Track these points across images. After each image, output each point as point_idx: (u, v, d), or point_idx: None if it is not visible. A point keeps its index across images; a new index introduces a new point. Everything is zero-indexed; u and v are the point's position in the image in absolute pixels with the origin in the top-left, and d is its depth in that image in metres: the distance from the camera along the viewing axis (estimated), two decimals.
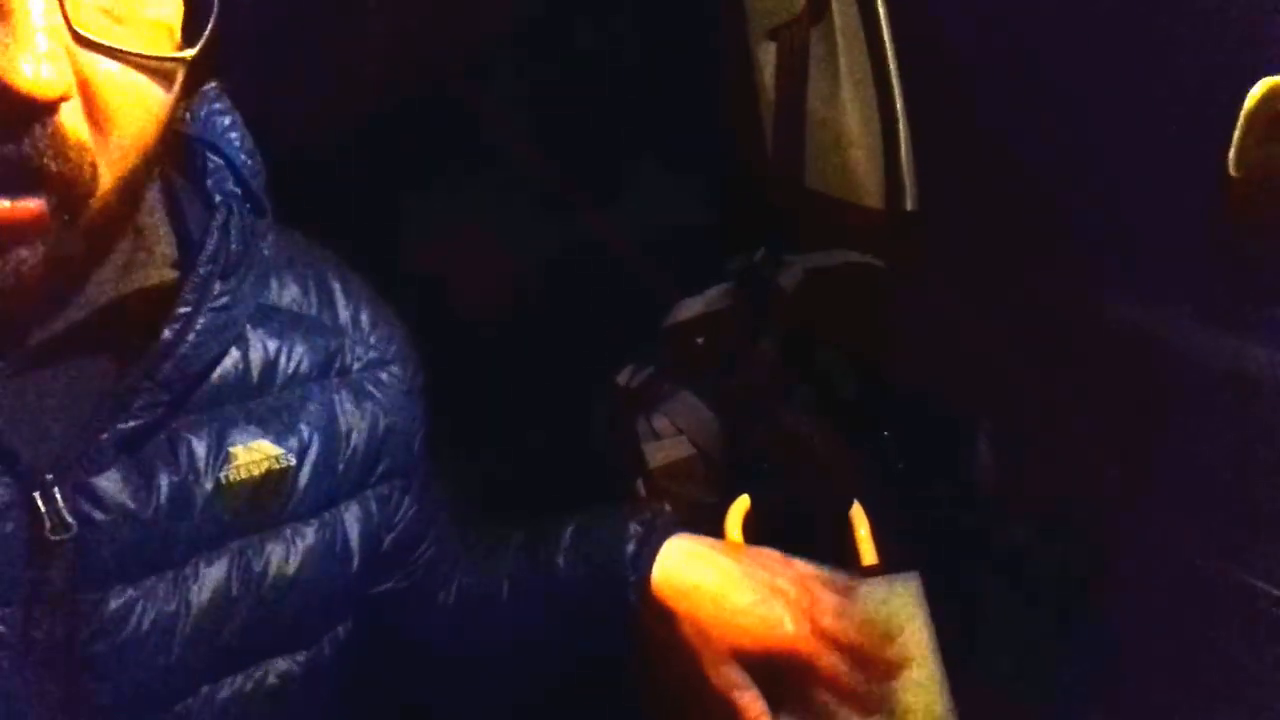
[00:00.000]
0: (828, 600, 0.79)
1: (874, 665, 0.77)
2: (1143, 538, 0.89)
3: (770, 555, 0.81)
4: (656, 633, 0.77)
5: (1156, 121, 0.89)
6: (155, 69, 0.55)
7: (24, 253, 0.52)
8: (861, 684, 0.77)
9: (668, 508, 0.83)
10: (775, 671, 0.77)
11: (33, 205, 0.51)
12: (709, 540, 0.81)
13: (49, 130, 0.51)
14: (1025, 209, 1.02)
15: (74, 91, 0.51)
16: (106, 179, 0.54)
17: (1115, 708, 0.88)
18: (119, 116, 0.53)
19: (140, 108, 0.55)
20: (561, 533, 0.81)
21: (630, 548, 0.78)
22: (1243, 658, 0.81)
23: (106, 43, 0.52)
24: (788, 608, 0.76)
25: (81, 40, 0.51)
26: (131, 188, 0.57)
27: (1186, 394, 0.87)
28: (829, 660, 0.76)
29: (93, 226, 0.55)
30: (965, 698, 0.82)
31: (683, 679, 0.77)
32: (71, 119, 0.52)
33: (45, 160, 0.51)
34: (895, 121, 1.16)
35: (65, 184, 0.52)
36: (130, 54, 0.53)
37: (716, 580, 0.77)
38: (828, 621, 0.77)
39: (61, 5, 0.49)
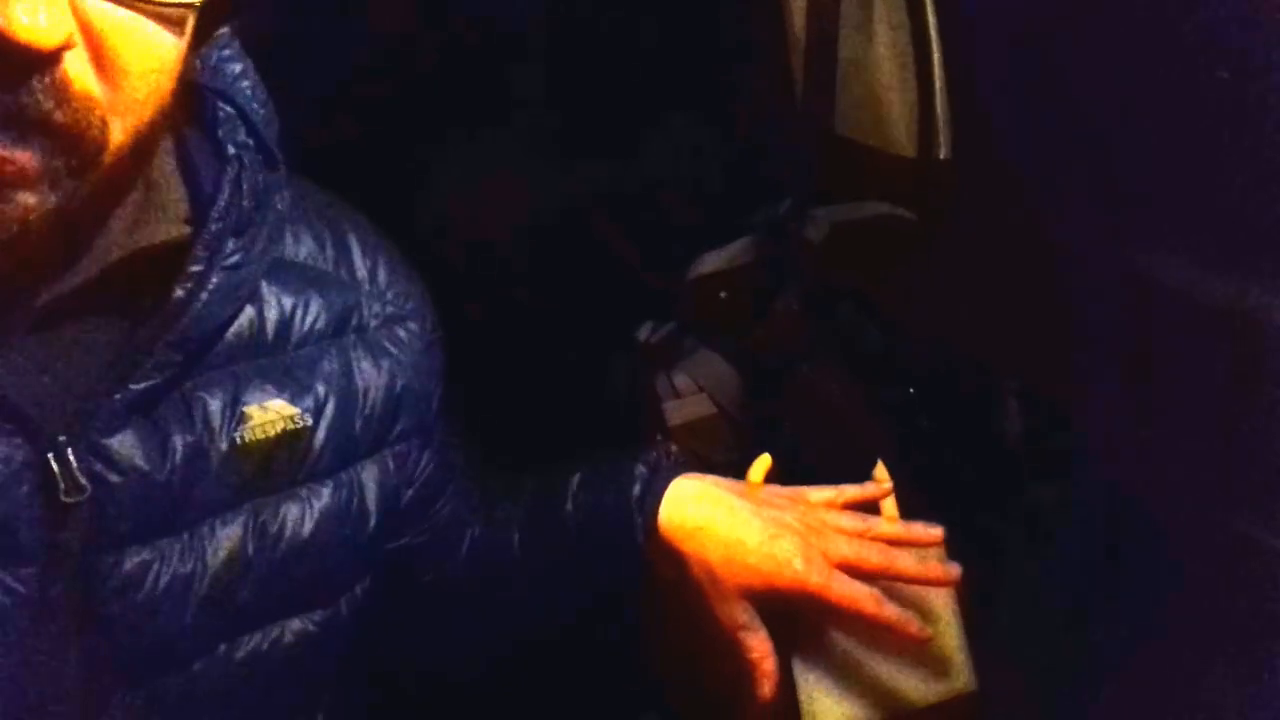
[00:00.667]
0: (844, 526, 0.78)
1: (902, 589, 0.78)
2: (1170, 497, 0.88)
3: (778, 491, 0.81)
4: (664, 574, 0.77)
5: (1194, 77, 0.86)
6: (165, 15, 0.53)
7: (30, 199, 0.51)
8: (885, 616, 0.76)
9: (674, 448, 0.83)
10: (789, 610, 0.77)
11: (34, 153, 0.50)
12: (716, 479, 0.81)
13: (51, 80, 0.49)
14: (1059, 162, 1.00)
15: (77, 39, 0.50)
16: (118, 133, 0.53)
17: (1140, 670, 0.88)
18: (129, 67, 0.52)
19: (151, 57, 0.53)
20: (569, 480, 0.81)
21: (636, 489, 0.78)
22: (1272, 619, 0.80)
23: None
24: (797, 544, 0.76)
25: None
26: (145, 142, 0.56)
27: (1218, 353, 0.85)
28: (842, 592, 0.75)
29: (104, 181, 0.54)
30: (987, 658, 0.82)
31: (690, 620, 0.77)
32: (76, 68, 0.50)
33: (48, 110, 0.49)
34: (931, 66, 1.13)
35: (72, 136, 0.51)
36: (137, 2, 0.51)
37: (724, 519, 0.76)
38: (844, 550, 0.77)
39: None
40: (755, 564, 0.75)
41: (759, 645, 0.76)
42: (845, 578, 0.76)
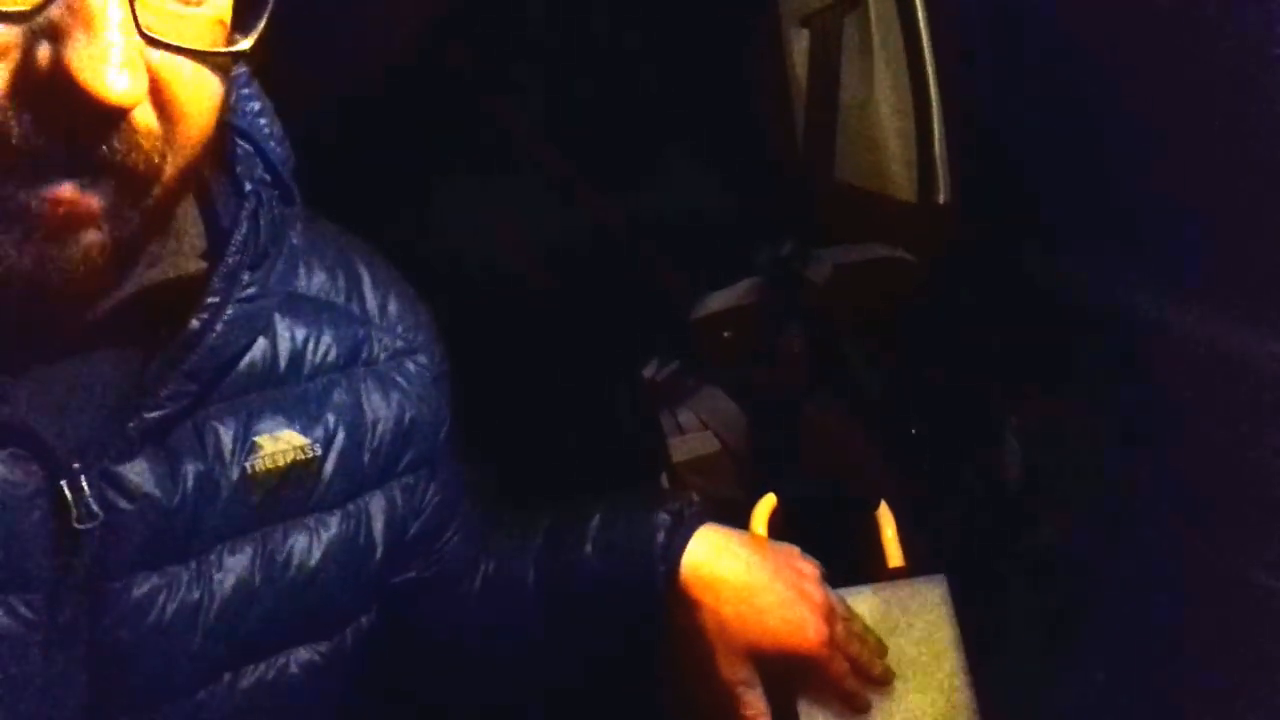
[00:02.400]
0: (841, 610, 0.80)
1: (873, 674, 0.80)
2: (1172, 537, 0.88)
3: (794, 554, 0.82)
4: (680, 624, 0.78)
5: (1180, 116, 0.88)
6: (215, 62, 0.56)
7: (94, 237, 0.53)
8: (864, 691, 0.79)
9: (695, 497, 0.83)
10: (789, 671, 0.78)
11: (102, 194, 0.52)
12: (737, 533, 0.82)
13: (126, 129, 0.52)
14: (1055, 204, 1.01)
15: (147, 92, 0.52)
16: (171, 168, 0.55)
17: (1140, 709, 0.87)
18: (187, 109, 0.55)
19: (205, 100, 0.56)
20: (588, 520, 0.81)
21: (660, 537, 0.78)
22: (1271, 659, 0.80)
23: (173, 42, 0.53)
24: (812, 613, 0.77)
25: (151, 41, 0.52)
26: (190, 175, 0.58)
27: (1218, 393, 0.86)
28: (840, 667, 0.77)
29: (155, 211, 0.56)
30: (991, 699, 0.82)
31: (696, 668, 0.77)
32: (145, 114, 0.53)
33: (122, 155, 0.52)
34: (930, 112, 1.14)
35: (132, 173, 0.53)
36: (194, 51, 0.54)
37: (744, 577, 0.77)
38: (839, 631, 0.79)
39: (131, 7, 0.50)
40: (769, 625, 0.76)
41: (755, 704, 0.77)
42: (840, 656, 0.78)
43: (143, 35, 0.51)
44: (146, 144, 0.53)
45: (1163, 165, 0.90)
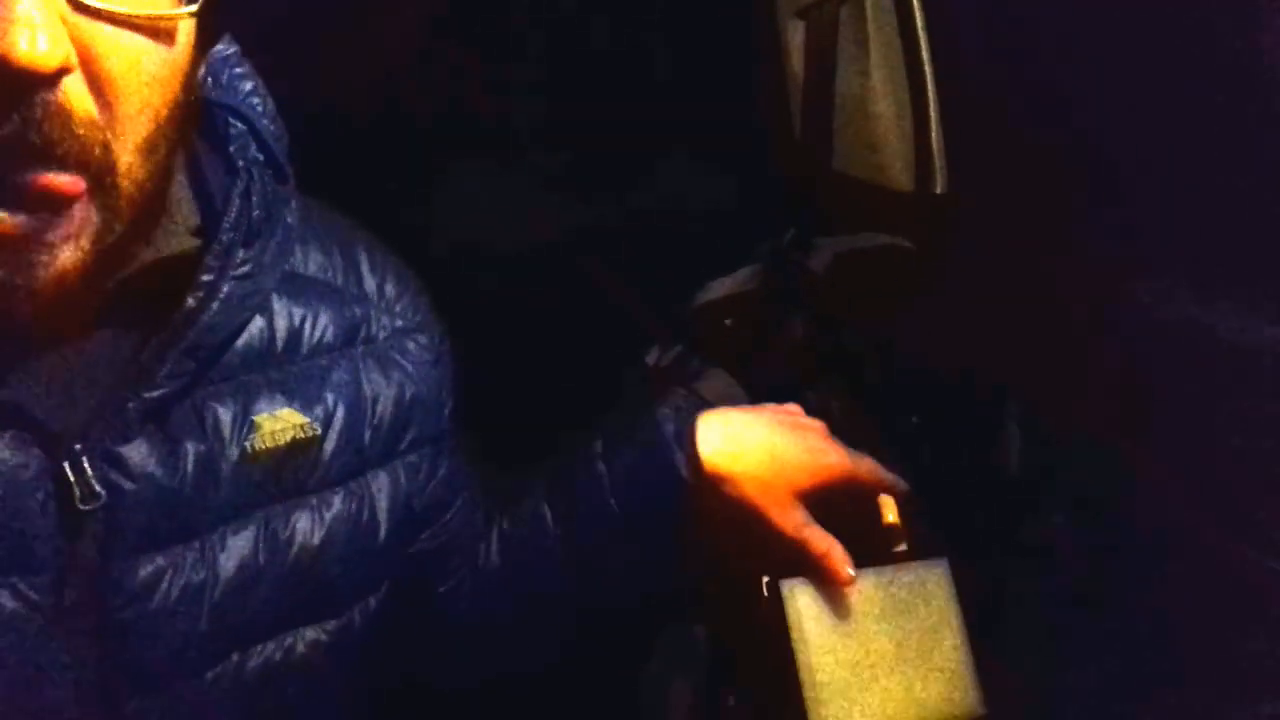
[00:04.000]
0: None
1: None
2: (1174, 526, 0.88)
3: (794, 409, 0.85)
4: (711, 502, 0.78)
5: (1193, 105, 0.88)
6: (156, 29, 0.53)
7: (67, 254, 0.52)
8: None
9: (684, 391, 0.84)
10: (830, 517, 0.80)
11: (66, 179, 0.51)
12: (733, 408, 0.84)
13: (52, 107, 0.49)
14: (1057, 191, 1.01)
15: (74, 62, 0.50)
16: (123, 153, 0.53)
17: (1143, 697, 0.87)
18: (123, 84, 0.52)
19: (144, 72, 0.53)
20: (592, 442, 0.82)
21: (670, 427, 0.79)
22: (1274, 648, 0.80)
23: (104, 6, 0.50)
24: (821, 440, 0.81)
25: (78, 6, 0.50)
26: (155, 156, 0.56)
27: (1221, 380, 0.86)
28: (870, 469, 0.82)
29: (131, 205, 0.55)
30: (992, 685, 0.82)
31: (743, 538, 0.79)
32: (76, 92, 0.51)
33: (53, 137, 0.50)
34: (926, 103, 1.14)
35: (83, 163, 0.51)
36: (129, 16, 0.51)
37: (756, 434, 0.80)
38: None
39: None
40: (800, 463, 0.79)
41: (821, 538, 0.77)
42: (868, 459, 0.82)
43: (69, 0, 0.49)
44: (83, 130, 0.51)
45: (1164, 158, 0.90)
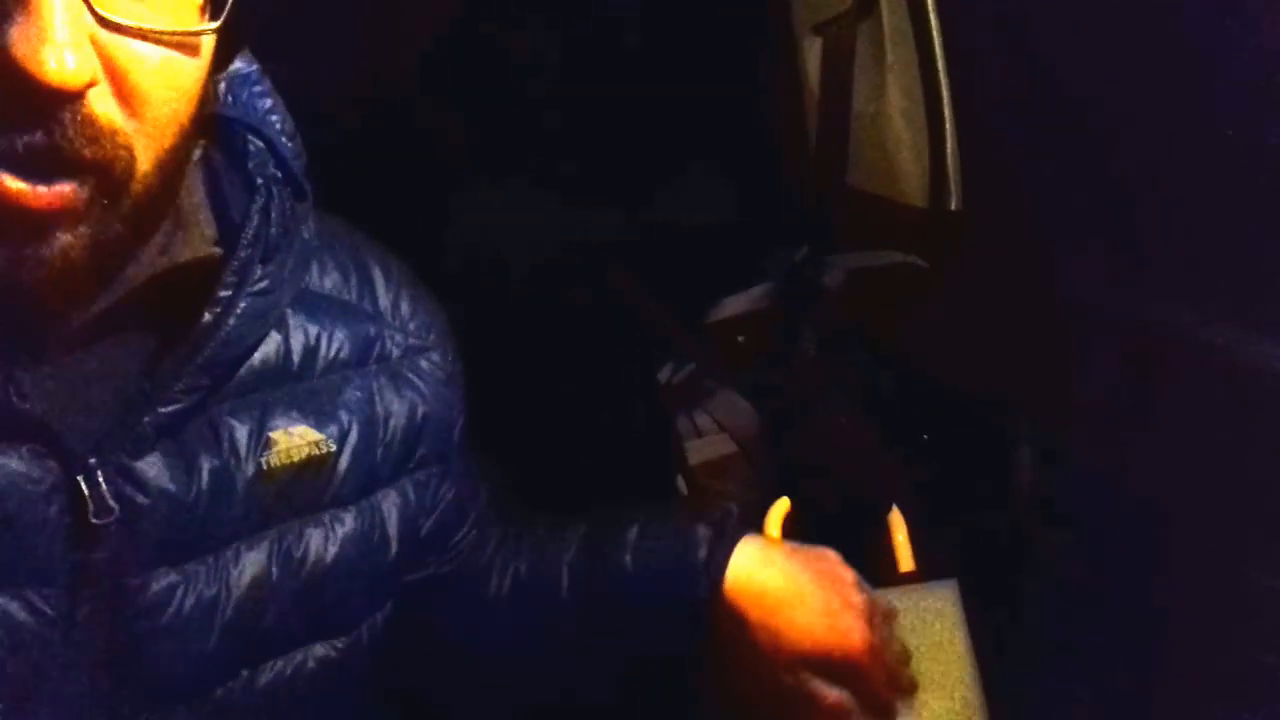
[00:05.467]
0: (882, 607, 0.80)
1: (900, 682, 0.79)
2: (1184, 545, 0.88)
3: (833, 560, 0.81)
4: (724, 635, 0.77)
5: (1201, 122, 0.88)
6: (181, 44, 0.54)
7: (66, 238, 0.52)
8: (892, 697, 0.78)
9: (735, 509, 0.83)
10: (831, 678, 0.77)
11: (67, 190, 0.51)
12: (777, 542, 0.82)
13: (79, 117, 0.50)
14: (1069, 210, 1.01)
15: (100, 77, 0.51)
16: (144, 161, 0.54)
17: (1150, 710, 0.87)
18: (150, 96, 0.53)
19: (170, 86, 0.54)
20: (626, 530, 0.81)
21: (703, 551, 0.77)
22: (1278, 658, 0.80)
23: (130, 23, 0.51)
24: (857, 620, 0.77)
25: (105, 23, 0.50)
26: (171, 168, 0.57)
27: (1231, 399, 0.86)
28: (881, 675, 0.77)
29: (136, 209, 0.55)
30: (1002, 704, 0.81)
31: (750, 679, 0.77)
32: (101, 104, 0.51)
33: (78, 148, 0.51)
34: (942, 120, 1.15)
35: (102, 169, 0.52)
36: (155, 32, 0.52)
37: (790, 586, 0.77)
38: (882, 634, 0.78)
39: None
40: (819, 633, 0.76)
41: (830, 693, 0.76)
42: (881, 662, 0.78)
43: (95, 16, 0.50)
44: (109, 137, 0.52)
45: (1172, 172, 0.90)
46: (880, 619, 0.79)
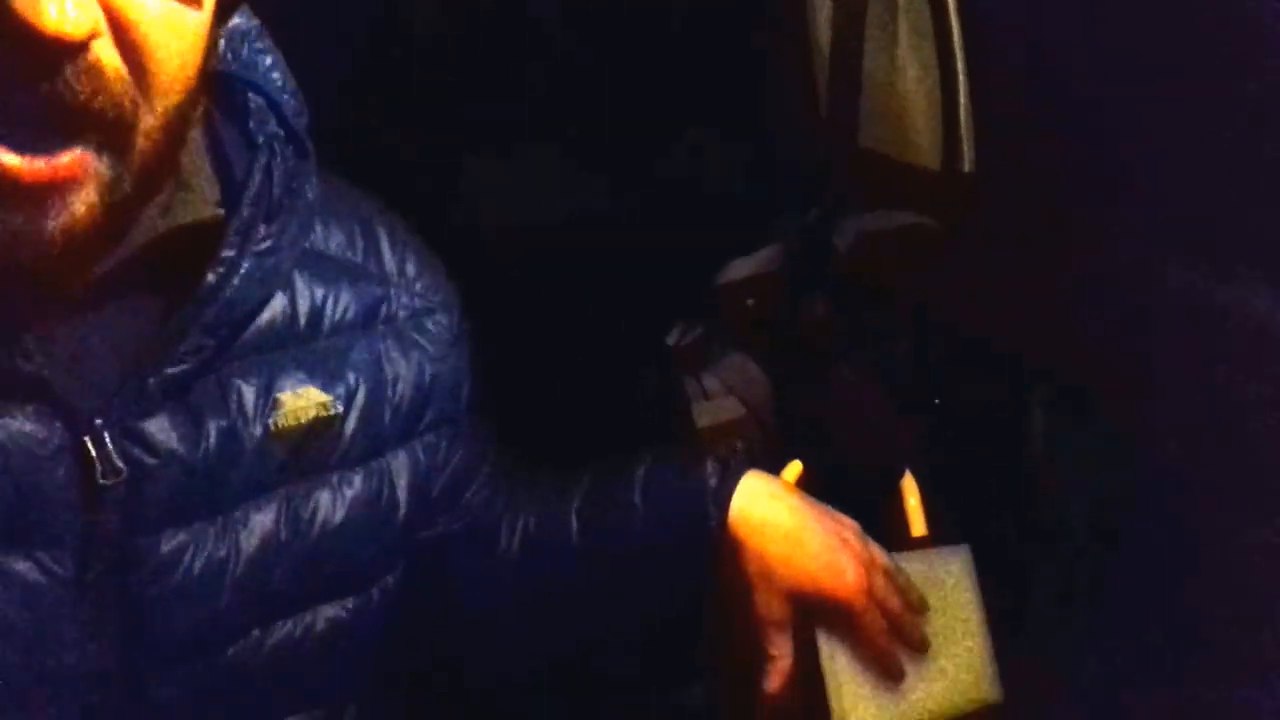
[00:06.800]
0: (883, 562, 0.80)
1: (909, 635, 0.79)
2: (1198, 511, 0.88)
3: (840, 515, 0.81)
4: (722, 563, 0.78)
5: (1227, 86, 0.87)
6: None
7: (77, 204, 0.52)
8: (898, 650, 0.78)
9: (740, 445, 0.83)
10: (825, 618, 0.78)
11: (71, 159, 0.51)
12: (781, 480, 0.82)
13: (83, 67, 0.50)
14: (1085, 173, 1.00)
15: (103, 28, 0.50)
16: (149, 115, 0.54)
17: (1160, 684, 0.87)
18: (154, 49, 0.53)
19: (175, 37, 0.54)
20: (634, 470, 0.81)
21: (712, 482, 0.78)
22: None
23: None
24: (852, 560, 0.77)
25: None
26: (177, 124, 0.57)
27: (1248, 366, 0.85)
28: (873, 619, 0.77)
29: (144, 167, 0.55)
30: (1012, 671, 0.81)
31: (735, 607, 0.78)
32: (107, 54, 0.51)
33: (84, 99, 0.50)
34: (955, 81, 1.13)
35: (108, 124, 0.52)
36: None
37: (790, 521, 0.77)
38: (879, 582, 0.78)
39: None
40: (813, 569, 0.76)
41: (781, 645, 0.77)
42: (876, 609, 0.78)
43: None
44: (115, 87, 0.51)
45: (1189, 139, 0.89)
46: (881, 570, 0.79)
